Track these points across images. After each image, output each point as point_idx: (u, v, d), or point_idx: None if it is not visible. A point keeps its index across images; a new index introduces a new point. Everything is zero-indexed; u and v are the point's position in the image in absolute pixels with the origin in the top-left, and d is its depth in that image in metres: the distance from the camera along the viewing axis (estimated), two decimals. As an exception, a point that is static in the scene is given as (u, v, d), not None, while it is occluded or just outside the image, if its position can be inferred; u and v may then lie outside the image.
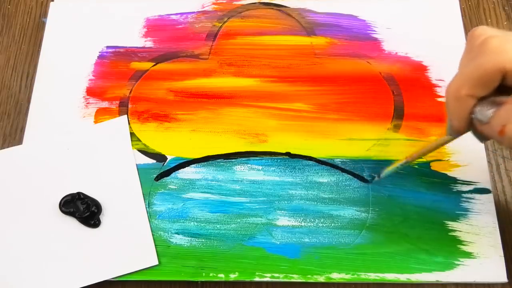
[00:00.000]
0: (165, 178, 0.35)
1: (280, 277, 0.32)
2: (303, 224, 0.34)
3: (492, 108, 0.24)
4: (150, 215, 0.34)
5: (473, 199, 0.34)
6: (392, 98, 0.37)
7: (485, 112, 0.24)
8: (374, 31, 0.40)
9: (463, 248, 0.32)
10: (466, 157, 0.35)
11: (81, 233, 0.34)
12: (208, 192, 0.35)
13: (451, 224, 0.33)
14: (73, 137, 0.37)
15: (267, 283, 0.33)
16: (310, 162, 0.36)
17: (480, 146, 0.35)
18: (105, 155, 0.36)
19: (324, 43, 0.40)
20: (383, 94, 0.38)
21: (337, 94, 0.38)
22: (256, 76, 0.39)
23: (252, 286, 0.33)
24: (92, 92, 0.39)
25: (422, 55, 0.39)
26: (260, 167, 0.36)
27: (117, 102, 0.38)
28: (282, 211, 0.34)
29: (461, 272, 0.32)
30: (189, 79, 0.39)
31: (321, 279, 0.32)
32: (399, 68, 0.38)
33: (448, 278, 0.32)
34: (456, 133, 0.27)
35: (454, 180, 0.34)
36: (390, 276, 0.32)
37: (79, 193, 0.34)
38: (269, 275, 0.32)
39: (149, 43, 0.40)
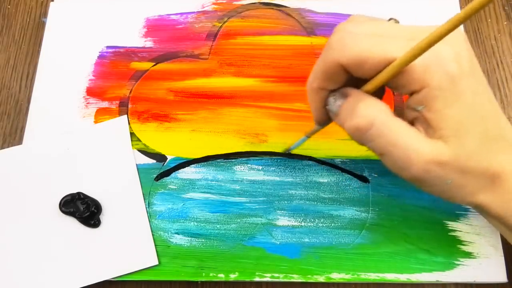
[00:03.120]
0: (165, 178, 0.35)
1: (280, 277, 0.32)
2: (303, 224, 0.34)
3: (341, 99, 0.24)
4: (150, 215, 0.34)
5: (473, 199, 0.34)
6: (392, 97, 0.37)
7: (334, 104, 0.25)
8: (374, 31, 0.40)
9: (463, 248, 0.32)
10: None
11: (81, 233, 0.34)
12: (208, 192, 0.35)
13: (451, 224, 0.33)
14: (73, 137, 0.37)
15: (267, 283, 0.33)
16: (310, 162, 0.36)
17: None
18: (105, 155, 0.36)
19: (324, 43, 0.40)
20: (383, 94, 0.38)
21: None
22: (256, 76, 0.39)
23: (252, 286, 0.33)
24: (92, 92, 0.39)
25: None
26: (260, 167, 0.36)
27: (117, 102, 0.38)
28: (282, 211, 0.34)
29: (461, 272, 0.32)
30: (189, 79, 0.39)
31: (321, 279, 0.32)
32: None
33: (448, 278, 0.32)
34: (317, 123, 0.28)
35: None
36: (390, 276, 0.32)
37: (79, 193, 0.34)
38: (269, 275, 0.32)
39: (149, 43, 0.40)
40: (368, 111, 0.23)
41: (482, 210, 0.25)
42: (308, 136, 0.31)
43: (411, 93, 0.23)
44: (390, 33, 0.23)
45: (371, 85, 0.24)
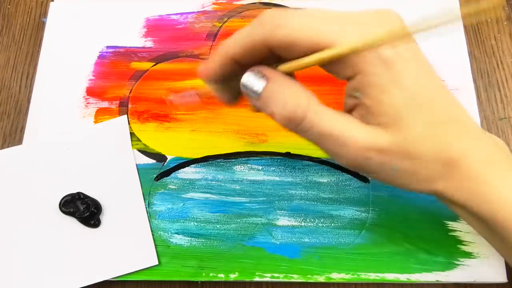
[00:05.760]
0: (165, 178, 0.35)
1: (280, 277, 0.32)
2: (303, 224, 0.34)
3: (261, 81, 0.23)
4: (150, 215, 0.34)
5: (473, 199, 0.34)
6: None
7: (254, 83, 0.23)
8: (374, 31, 0.40)
9: (463, 248, 0.32)
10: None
11: (81, 233, 0.34)
12: (208, 192, 0.35)
13: (451, 224, 0.33)
14: (73, 137, 0.37)
15: (267, 283, 0.33)
16: (310, 162, 0.36)
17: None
18: (105, 155, 0.36)
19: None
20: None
21: (337, 94, 0.38)
22: (256, 76, 0.39)
23: (252, 286, 0.33)
24: (92, 92, 0.39)
25: (422, 55, 0.39)
26: (260, 167, 0.36)
27: (117, 102, 0.38)
28: (282, 211, 0.34)
29: (461, 272, 0.32)
30: (189, 79, 0.39)
31: (321, 279, 0.32)
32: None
33: (448, 278, 0.32)
34: (210, 83, 0.26)
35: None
36: (390, 276, 0.32)
37: (79, 193, 0.34)
38: (269, 275, 0.32)
39: (149, 43, 0.40)
40: (299, 101, 0.22)
41: (444, 198, 0.24)
42: (198, 93, 0.28)
43: (347, 79, 0.22)
44: (324, 15, 0.22)
45: (290, 67, 0.22)
